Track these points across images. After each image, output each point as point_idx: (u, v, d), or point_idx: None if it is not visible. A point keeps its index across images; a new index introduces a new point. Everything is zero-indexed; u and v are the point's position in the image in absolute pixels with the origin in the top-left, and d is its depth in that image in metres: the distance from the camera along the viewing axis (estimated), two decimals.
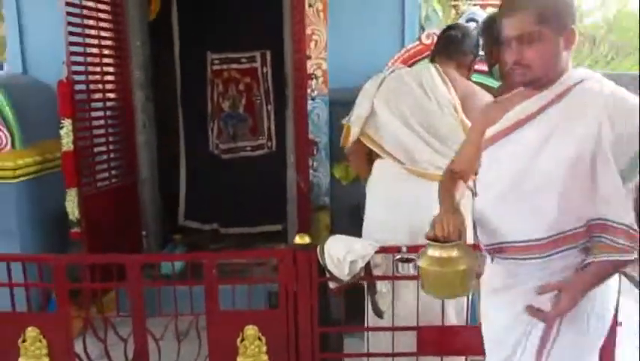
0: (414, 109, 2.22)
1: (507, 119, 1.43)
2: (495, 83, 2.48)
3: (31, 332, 2.30)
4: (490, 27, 2.14)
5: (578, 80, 1.38)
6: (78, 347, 2.29)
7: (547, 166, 1.35)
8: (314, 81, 3.14)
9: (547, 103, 1.38)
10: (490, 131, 1.47)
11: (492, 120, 1.48)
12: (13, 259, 2.36)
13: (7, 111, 3.04)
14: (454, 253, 1.38)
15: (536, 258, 1.39)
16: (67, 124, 3.04)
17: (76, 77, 3.10)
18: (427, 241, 1.41)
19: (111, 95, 3.49)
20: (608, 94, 1.34)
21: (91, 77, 3.27)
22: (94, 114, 3.31)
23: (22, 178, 3.12)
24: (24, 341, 2.28)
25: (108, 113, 3.43)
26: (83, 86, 3.18)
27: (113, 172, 3.47)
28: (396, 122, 2.23)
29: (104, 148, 3.41)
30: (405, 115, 2.22)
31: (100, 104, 3.37)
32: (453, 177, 1.62)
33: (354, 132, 2.33)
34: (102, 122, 3.39)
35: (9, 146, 3.07)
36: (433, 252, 1.40)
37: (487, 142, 1.48)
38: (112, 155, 3.47)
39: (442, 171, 1.74)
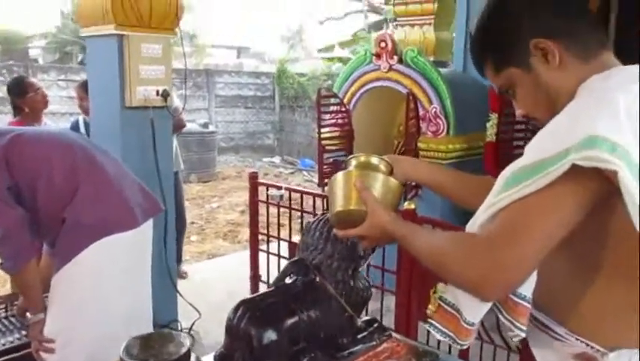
0: None
1: None
2: None
3: (440, 287, 2.79)
4: None
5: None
6: None
7: None
8: None
9: None
10: None
11: None
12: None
13: (449, 104, 3.64)
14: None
15: None
16: (493, 118, 3.44)
17: None
18: None
19: None
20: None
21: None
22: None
23: (450, 160, 3.69)
24: (434, 292, 2.80)
25: None
26: None
27: None
28: None
29: (521, 142, 3.67)
30: None
31: None
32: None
33: None
34: (524, 118, 3.65)
35: (444, 132, 3.67)
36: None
37: None
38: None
39: None
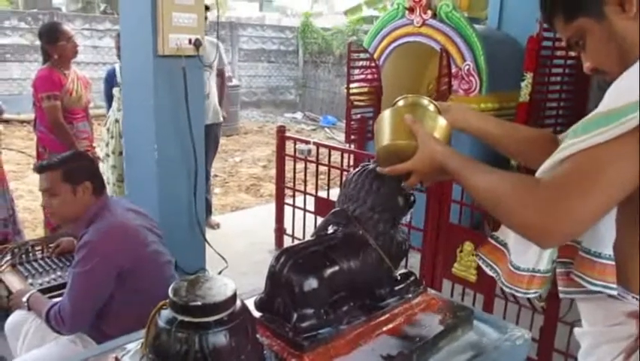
0: None
1: None
2: None
3: (467, 246, 2.80)
4: None
5: None
6: None
7: None
8: None
9: None
10: None
11: None
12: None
13: (482, 61, 3.55)
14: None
15: None
16: (528, 77, 3.34)
17: (546, 34, 3.32)
18: None
19: (572, 54, 3.58)
20: None
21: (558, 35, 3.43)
22: (554, 70, 3.50)
23: None
24: (461, 251, 2.81)
25: (567, 71, 3.56)
26: (549, 43, 3.39)
27: (558, 128, 3.63)
28: None
29: (554, 104, 3.59)
30: None
31: (561, 62, 3.53)
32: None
33: None
34: (559, 79, 3.56)
35: (477, 91, 3.60)
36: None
37: None
38: (560, 112, 3.62)
39: None
